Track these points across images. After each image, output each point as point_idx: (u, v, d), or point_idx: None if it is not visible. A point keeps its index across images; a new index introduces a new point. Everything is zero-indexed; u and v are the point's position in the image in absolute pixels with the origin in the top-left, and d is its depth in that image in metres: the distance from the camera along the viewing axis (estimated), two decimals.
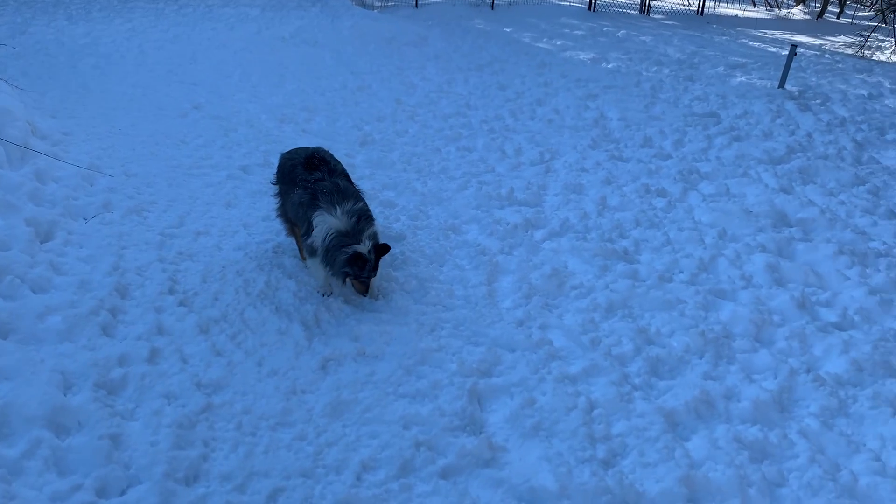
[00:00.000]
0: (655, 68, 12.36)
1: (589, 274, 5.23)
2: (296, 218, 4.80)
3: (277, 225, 5.32)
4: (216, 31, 13.28)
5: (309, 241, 4.54)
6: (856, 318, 4.84)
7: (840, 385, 4.16)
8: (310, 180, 4.69)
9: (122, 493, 3.07)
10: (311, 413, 3.66)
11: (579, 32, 16.04)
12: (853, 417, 3.92)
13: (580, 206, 6.44)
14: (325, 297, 4.69)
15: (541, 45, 14.28)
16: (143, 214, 5.67)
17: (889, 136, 8.82)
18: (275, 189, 5.20)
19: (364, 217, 4.56)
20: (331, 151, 5.22)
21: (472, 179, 6.93)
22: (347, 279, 4.57)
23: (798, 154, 7.98)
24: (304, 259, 4.98)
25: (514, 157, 7.67)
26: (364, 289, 4.62)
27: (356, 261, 4.37)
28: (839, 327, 4.75)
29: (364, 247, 4.39)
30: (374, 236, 4.56)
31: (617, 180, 7.10)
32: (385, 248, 4.55)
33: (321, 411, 3.67)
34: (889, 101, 10.67)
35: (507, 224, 5.91)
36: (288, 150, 5.32)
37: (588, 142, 8.28)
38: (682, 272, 5.34)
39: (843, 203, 6.70)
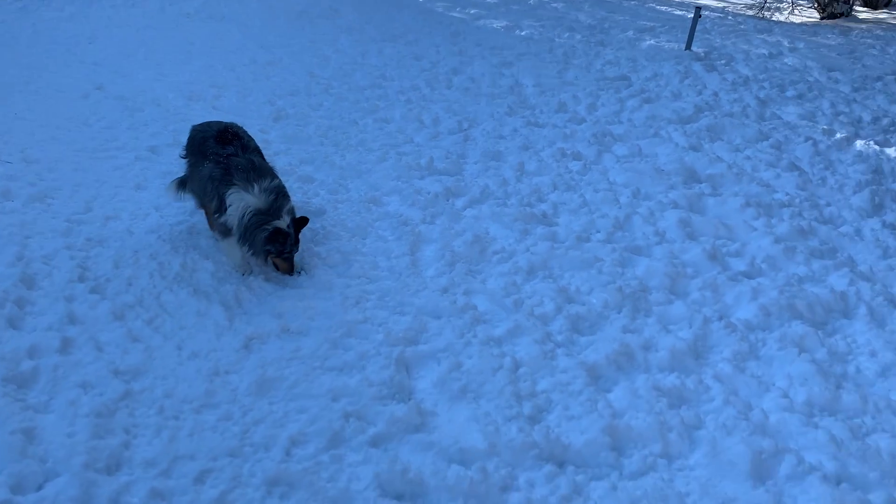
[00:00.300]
0: (568, 34, 12.50)
1: (510, 238, 5.29)
2: (202, 192, 4.64)
3: (190, 205, 5.16)
4: (116, 9, 12.63)
5: (222, 219, 4.42)
6: (763, 266, 5.08)
7: (750, 330, 4.36)
8: (222, 154, 4.56)
9: (40, 487, 2.95)
10: (235, 393, 3.60)
11: (492, 0, 16.04)
12: (763, 359, 4.13)
13: (499, 172, 6.50)
14: (245, 275, 4.60)
15: (454, 14, 14.21)
16: (47, 201, 5.38)
17: (789, 93, 9.20)
18: (184, 164, 5.02)
19: (282, 194, 4.50)
20: (244, 128, 5.08)
21: (390, 151, 6.88)
22: (269, 258, 4.49)
23: (705, 113, 8.25)
24: (214, 231, 4.81)
25: (433, 127, 7.65)
26: (288, 267, 4.54)
27: (277, 237, 4.30)
28: (748, 276, 4.97)
29: (283, 222, 4.33)
30: (292, 211, 4.50)
31: (534, 146, 7.18)
32: (304, 221, 4.51)
33: (246, 390, 3.61)
34: (788, 60, 11.13)
35: (428, 194, 5.91)
36: (199, 122, 5.14)
37: (504, 109, 8.33)
38: (598, 232, 5.47)
39: (748, 158, 6.98)
